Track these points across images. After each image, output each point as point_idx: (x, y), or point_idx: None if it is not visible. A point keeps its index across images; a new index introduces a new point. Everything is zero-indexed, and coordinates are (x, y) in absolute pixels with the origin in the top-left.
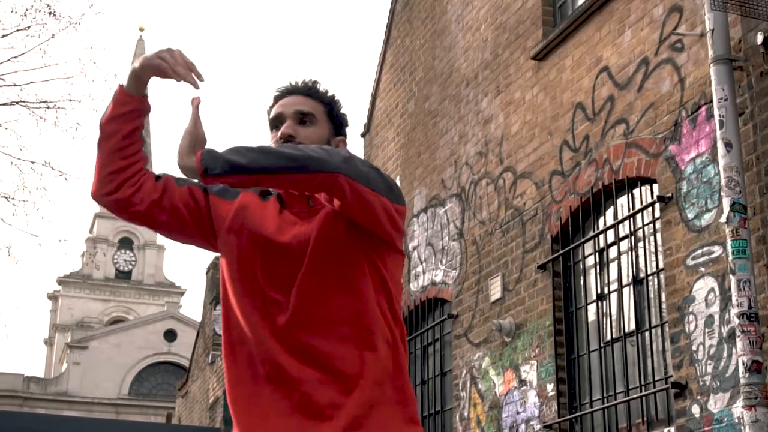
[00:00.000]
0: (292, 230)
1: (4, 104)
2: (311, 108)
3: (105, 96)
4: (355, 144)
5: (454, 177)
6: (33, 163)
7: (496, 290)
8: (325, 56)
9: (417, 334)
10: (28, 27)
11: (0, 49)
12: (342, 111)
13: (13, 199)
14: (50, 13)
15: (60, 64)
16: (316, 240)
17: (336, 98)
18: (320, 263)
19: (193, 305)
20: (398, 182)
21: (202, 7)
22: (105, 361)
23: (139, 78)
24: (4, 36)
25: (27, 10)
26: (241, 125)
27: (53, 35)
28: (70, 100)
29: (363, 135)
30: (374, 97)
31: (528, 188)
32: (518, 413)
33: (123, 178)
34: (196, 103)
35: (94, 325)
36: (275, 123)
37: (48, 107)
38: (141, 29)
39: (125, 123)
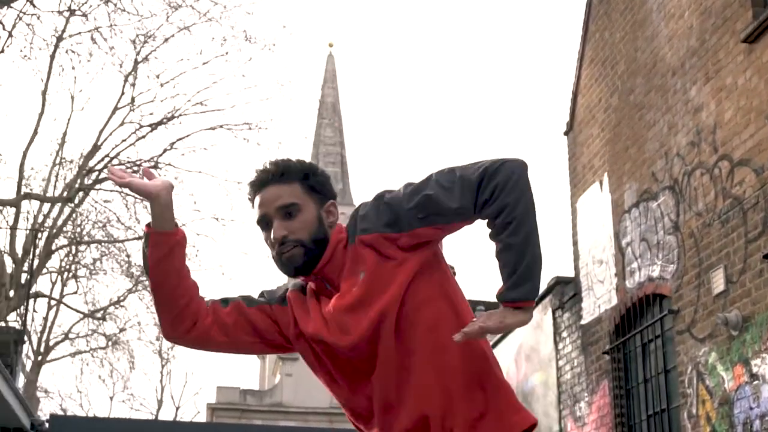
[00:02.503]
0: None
1: (209, 129)
2: (290, 196)
3: (303, 113)
4: (558, 143)
5: (666, 169)
6: (239, 183)
7: (718, 283)
8: (520, 56)
9: (636, 332)
10: (226, 53)
11: (202, 77)
12: (319, 176)
13: (222, 219)
14: (246, 39)
15: (258, 86)
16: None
17: (308, 168)
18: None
19: None
20: (606, 178)
21: (389, 19)
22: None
23: (164, 212)
24: (204, 64)
25: (225, 37)
26: (428, 137)
27: (250, 58)
28: (270, 119)
29: (566, 133)
30: (575, 94)
31: (747, 176)
32: (751, 409)
33: (192, 311)
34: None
35: None
36: (263, 224)
37: (250, 128)
38: (330, 45)
39: (172, 261)
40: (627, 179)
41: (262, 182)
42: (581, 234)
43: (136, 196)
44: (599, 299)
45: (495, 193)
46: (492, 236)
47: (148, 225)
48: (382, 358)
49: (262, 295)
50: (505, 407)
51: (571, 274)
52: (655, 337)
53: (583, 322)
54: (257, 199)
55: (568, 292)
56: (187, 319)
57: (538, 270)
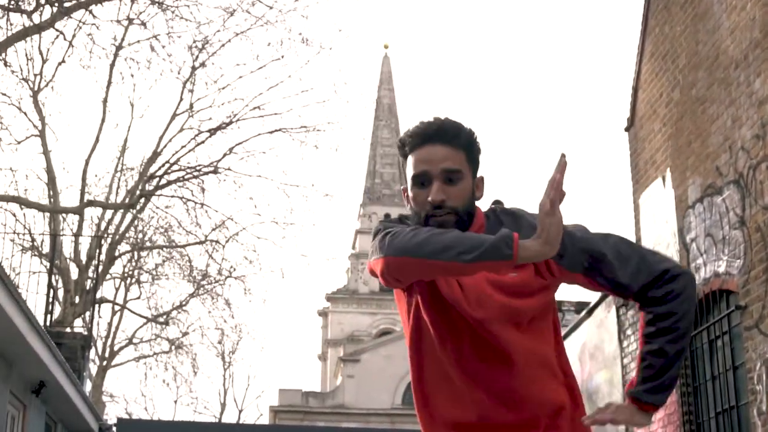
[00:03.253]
0: None
1: (266, 133)
2: (456, 163)
3: (360, 115)
4: (619, 139)
5: (730, 163)
6: (298, 186)
7: None
8: (580, 53)
9: (703, 328)
10: (282, 57)
11: (259, 81)
12: (479, 147)
13: (282, 222)
14: (303, 41)
15: (315, 89)
16: None
17: (473, 137)
18: None
19: None
20: (668, 174)
21: (444, 18)
22: (377, 372)
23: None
24: (261, 68)
25: (281, 40)
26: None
27: (307, 62)
28: (328, 122)
29: (627, 129)
30: (635, 90)
31: None
32: None
33: None
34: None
35: (364, 339)
36: (421, 180)
37: (308, 131)
38: (386, 47)
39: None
40: (690, 174)
41: (429, 136)
42: (644, 230)
43: (197, 200)
44: None
45: (670, 296)
46: (649, 333)
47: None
48: (501, 349)
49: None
50: (582, 407)
51: None
52: (723, 333)
53: None
54: (420, 153)
55: None
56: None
57: (676, 383)
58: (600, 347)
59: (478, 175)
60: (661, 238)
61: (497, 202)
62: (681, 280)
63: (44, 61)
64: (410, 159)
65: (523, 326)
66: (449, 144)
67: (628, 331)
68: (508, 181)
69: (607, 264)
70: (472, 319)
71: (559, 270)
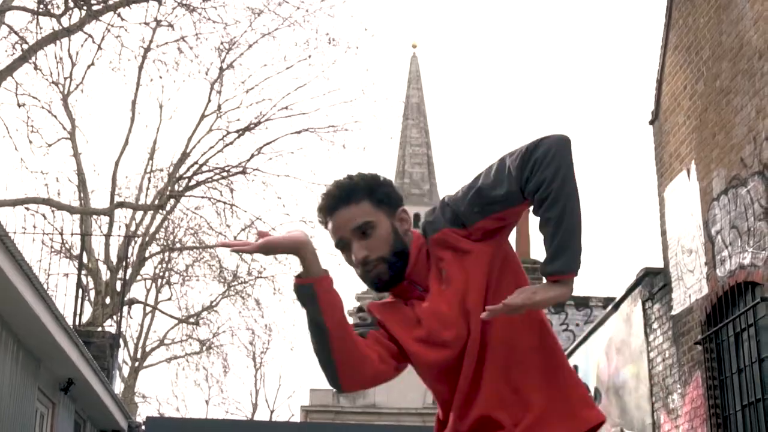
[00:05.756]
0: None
1: (294, 133)
2: (362, 215)
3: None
4: (643, 133)
5: (755, 154)
6: (326, 185)
7: None
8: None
9: (728, 321)
10: (309, 57)
11: (287, 81)
12: (384, 186)
13: (311, 222)
14: (329, 41)
15: (342, 89)
16: None
17: (371, 181)
18: None
19: None
20: (693, 166)
21: (472, 17)
22: (408, 371)
23: (315, 256)
24: (288, 68)
25: (308, 40)
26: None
27: (334, 61)
28: (355, 121)
29: (651, 122)
30: (659, 82)
31: None
32: None
33: (371, 358)
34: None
35: None
36: (342, 246)
37: (335, 131)
38: (414, 46)
39: (341, 306)
40: (715, 166)
41: (330, 207)
42: (670, 224)
43: (226, 201)
44: (689, 289)
45: (534, 169)
46: (534, 212)
47: (298, 277)
48: (469, 350)
49: (357, 326)
50: (576, 401)
51: (660, 264)
52: (748, 325)
53: (673, 312)
54: (330, 225)
55: (657, 282)
56: (367, 368)
57: (576, 242)
58: (627, 341)
59: (398, 209)
60: (686, 231)
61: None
62: (540, 147)
63: (74, 65)
64: (329, 232)
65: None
66: (348, 203)
67: (654, 325)
68: None
69: (485, 194)
70: (443, 342)
71: (468, 233)
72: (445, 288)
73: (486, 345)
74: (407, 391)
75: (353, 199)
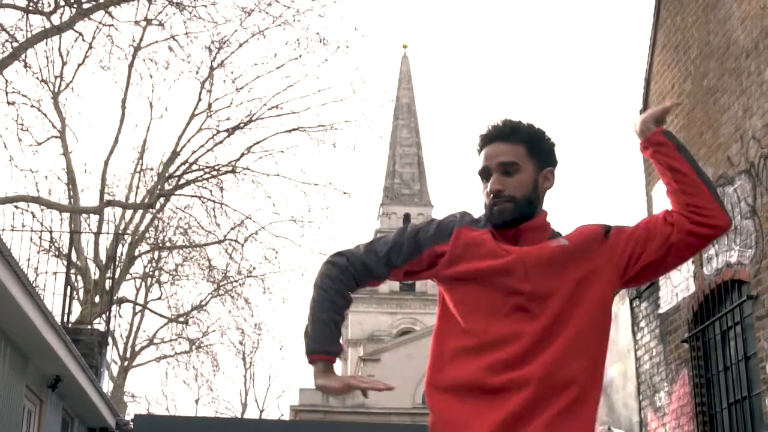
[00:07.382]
0: None
1: (285, 132)
2: (512, 156)
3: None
4: (631, 132)
5: (741, 153)
6: (316, 185)
7: None
8: (593, 46)
9: (715, 319)
10: (300, 56)
11: (277, 80)
12: (544, 142)
13: (300, 221)
14: (320, 41)
15: (332, 88)
16: None
17: (535, 133)
18: None
19: None
20: None
21: (462, 18)
22: (397, 372)
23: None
24: (279, 67)
25: (298, 40)
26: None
27: (325, 60)
28: (345, 121)
29: None
30: (648, 81)
31: None
32: None
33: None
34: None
35: (384, 338)
36: (484, 175)
37: (325, 130)
38: (404, 46)
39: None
40: (702, 164)
41: (489, 137)
42: None
43: (215, 200)
44: (677, 287)
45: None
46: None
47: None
48: (545, 319)
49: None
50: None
51: None
52: (735, 323)
53: (660, 311)
54: (484, 152)
55: None
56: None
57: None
58: (614, 340)
59: (548, 168)
60: None
61: None
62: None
63: (64, 63)
64: (479, 158)
65: (572, 305)
66: (506, 140)
67: (642, 323)
68: None
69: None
70: (516, 289)
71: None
72: (557, 251)
73: (565, 321)
74: (396, 392)
75: (511, 139)
